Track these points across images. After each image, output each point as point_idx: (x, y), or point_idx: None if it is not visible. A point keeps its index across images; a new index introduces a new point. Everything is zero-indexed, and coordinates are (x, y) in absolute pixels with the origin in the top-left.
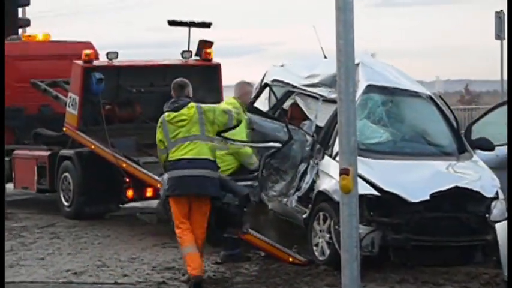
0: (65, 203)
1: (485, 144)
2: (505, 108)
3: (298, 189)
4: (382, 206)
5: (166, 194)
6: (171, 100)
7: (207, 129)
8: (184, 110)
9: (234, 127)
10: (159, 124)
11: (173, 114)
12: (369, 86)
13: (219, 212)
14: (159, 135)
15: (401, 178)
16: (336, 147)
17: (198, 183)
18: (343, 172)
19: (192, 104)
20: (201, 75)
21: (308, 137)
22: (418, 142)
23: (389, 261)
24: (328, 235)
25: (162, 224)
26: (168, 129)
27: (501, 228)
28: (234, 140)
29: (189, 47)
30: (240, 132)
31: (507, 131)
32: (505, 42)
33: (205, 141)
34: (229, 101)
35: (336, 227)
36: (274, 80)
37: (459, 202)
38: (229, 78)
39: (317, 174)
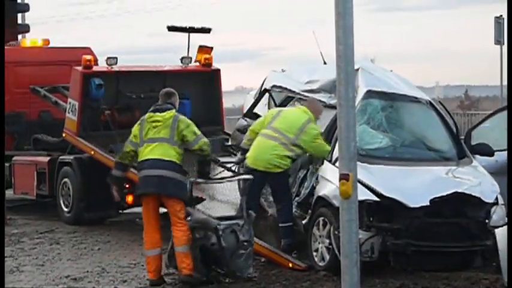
0: (65, 209)
1: (485, 150)
2: (504, 113)
3: (297, 195)
4: (381, 211)
5: (136, 194)
6: (156, 103)
7: (176, 135)
8: (162, 113)
9: (205, 160)
10: (139, 121)
11: (152, 114)
12: (368, 91)
13: (202, 250)
14: (135, 130)
15: (401, 183)
16: (336, 153)
17: (159, 182)
18: (343, 177)
19: (173, 111)
20: (201, 80)
21: None
22: (417, 147)
23: (389, 267)
24: (327, 240)
25: (162, 230)
26: (143, 127)
27: (501, 233)
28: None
29: (188, 53)
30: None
31: (507, 136)
32: (505, 47)
33: (172, 144)
34: (302, 108)
35: (336, 232)
36: (274, 86)
37: (459, 207)
38: (228, 83)
39: (317, 180)
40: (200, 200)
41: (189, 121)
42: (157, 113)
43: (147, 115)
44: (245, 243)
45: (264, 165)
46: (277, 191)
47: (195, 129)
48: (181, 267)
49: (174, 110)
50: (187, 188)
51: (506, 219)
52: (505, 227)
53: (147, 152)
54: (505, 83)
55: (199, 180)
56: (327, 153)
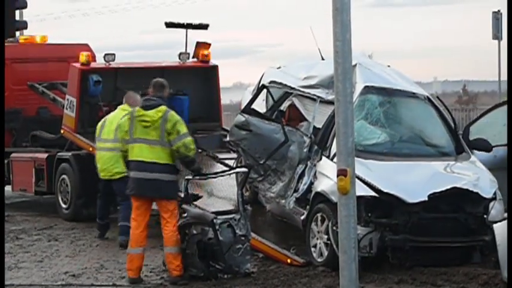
0: (63, 205)
1: (483, 145)
2: (502, 108)
3: (296, 191)
4: (380, 207)
5: (127, 193)
6: (146, 97)
7: (166, 135)
8: (151, 112)
9: (185, 161)
10: (128, 116)
11: (142, 112)
12: (366, 87)
13: (199, 245)
14: (125, 125)
15: (399, 179)
16: (334, 149)
17: (154, 186)
18: (341, 173)
19: (162, 107)
20: (199, 76)
21: (306, 138)
22: (415, 143)
23: (388, 262)
24: (326, 236)
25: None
26: (133, 124)
27: (499, 228)
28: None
29: (186, 49)
30: None
31: (507, 132)
32: (503, 42)
33: (163, 145)
34: (121, 106)
35: (334, 228)
36: (272, 82)
37: (457, 203)
38: (226, 79)
39: (315, 176)
40: (197, 197)
41: (177, 118)
42: (147, 111)
43: (136, 110)
44: (242, 238)
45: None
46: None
47: (180, 128)
48: (170, 268)
49: (163, 107)
50: (179, 187)
51: (506, 214)
52: (504, 222)
53: (137, 152)
54: (503, 78)
55: (195, 177)
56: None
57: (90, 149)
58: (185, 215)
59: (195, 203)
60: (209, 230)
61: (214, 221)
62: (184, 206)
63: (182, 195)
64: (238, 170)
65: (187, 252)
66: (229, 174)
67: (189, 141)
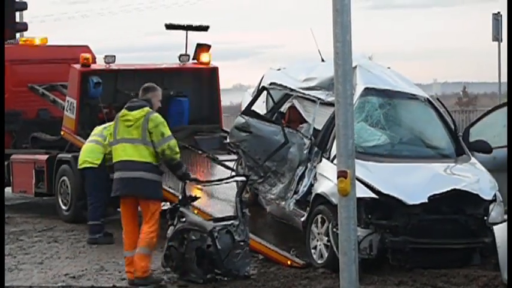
0: (63, 207)
1: (483, 147)
2: (502, 110)
3: (296, 192)
4: (380, 208)
5: (112, 195)
6: (131, 99)
7: (147, 135)
8: (134, 112)
9: (171, 165)
10: (115, 119)
11: (125, 112)
12: (366, 88)
13: (198, 252)
14: (111, 128)
15: (399, 181)
16: (334, 150)
17: (135, 184)
18: (341, 175)
19: (146, 108)
20: (199, 78)
21: (306, 140)
22: (415, 145)
23: (388, 264)
24: (326, 238)
25: (160, 228)
26: (117, 126)
27: (499, 230)
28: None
29: (186, 51)
30: None
31: (507, 133)
32: (503, 44)
33: (146, 144)
34: None
35: (334, 229)
36: (272, 83)
37: (457, 204)
38: (226, 81)
39: (315, 177)
40: (194, 198)
41: (160, 120)
42: (130, 111)
43: (120, 113)
44: (241, 243)
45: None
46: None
47: (164, 130)
48: (136, 268)
49: (147, 108)
50: (160, 188)
51: (506, 216)
52: (504, 224)
53: (121, 153)
54: (503, 80)
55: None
56: None
57: None
58: (184, 219)
59: (194, 203)
60: (208, 238)
61: (213, 230)
62: (182, 209)
63: (180, 196)
64: (236, 178)
65: (186, 257)
66: (227, 182)
67: (174, 143)
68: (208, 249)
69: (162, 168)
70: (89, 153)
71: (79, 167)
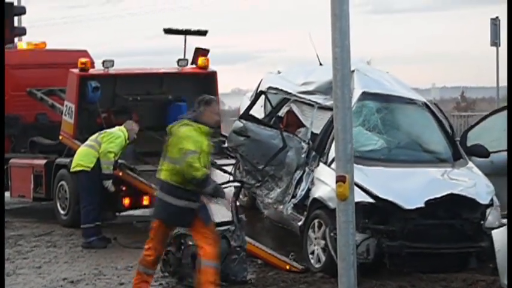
0: (62, 212)
1: (481, 151)
2: (500, 114)
3: (293, 197)
4: (377, 213)
5: None
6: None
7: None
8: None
9: None
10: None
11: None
12: (364, 93)
13: (194, 258)
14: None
15: (396, 185)
16: (331, 155)
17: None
18: (340, 179)
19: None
20: (197, 83)
21: (304, 144)
22: (413, 149)
23: (387, 268)
24: (323, 242)
25: None
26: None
27: (498, 235)
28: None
29: (185, 55)
30: None
31: (507, 137)
32: (501, 49)
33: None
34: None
35: (332, 234)
36: (270, 88)
37: (454, 209)
38: (225, 85)
39: (312, 182)
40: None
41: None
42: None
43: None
44: (237, 249)
45: None
46: None
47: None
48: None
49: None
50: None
51: (502, 220)
52: (502, 228)
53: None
54: (502, 84)
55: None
56: None
57: None
58: None
59: None
60: None
61: None
62: None
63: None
64: (231, 184)
65: (183, 263)
66: (224, 187)
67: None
68: None
69: None
70: (83, 156)
71: (71, 170)
